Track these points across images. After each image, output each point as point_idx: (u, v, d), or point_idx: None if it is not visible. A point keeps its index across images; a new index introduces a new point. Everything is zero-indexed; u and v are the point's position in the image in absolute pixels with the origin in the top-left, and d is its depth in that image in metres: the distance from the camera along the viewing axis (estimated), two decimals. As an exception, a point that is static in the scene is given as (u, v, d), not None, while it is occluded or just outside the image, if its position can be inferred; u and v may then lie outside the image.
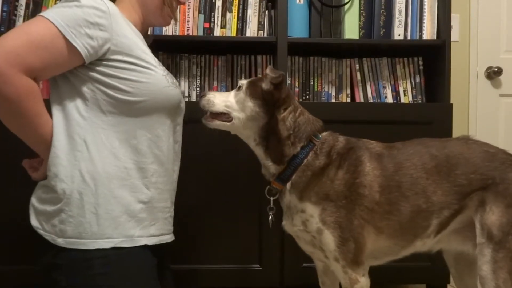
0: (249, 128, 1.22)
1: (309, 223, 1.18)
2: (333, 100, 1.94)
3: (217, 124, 1.25)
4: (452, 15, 1.87)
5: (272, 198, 1.24)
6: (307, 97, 1.93)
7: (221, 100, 1.24)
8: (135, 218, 1.13)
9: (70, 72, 1.11)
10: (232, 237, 1.70)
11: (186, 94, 1.89)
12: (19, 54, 1.00)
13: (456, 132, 1.80)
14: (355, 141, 1.25)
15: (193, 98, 1.88)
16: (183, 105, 1.32)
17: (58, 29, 1.04)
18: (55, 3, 1.82)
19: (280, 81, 1.18)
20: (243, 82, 1.25)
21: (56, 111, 1.12)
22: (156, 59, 1.23)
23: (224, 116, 1.24)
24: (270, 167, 1.22)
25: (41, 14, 1.07)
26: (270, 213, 1.25)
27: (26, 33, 1.03)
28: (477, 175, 1.18)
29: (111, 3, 1.14)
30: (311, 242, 1.21)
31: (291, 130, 1.20)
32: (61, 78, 1.13)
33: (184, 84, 1.89)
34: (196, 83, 1.90)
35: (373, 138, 1.29)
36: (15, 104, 1.01)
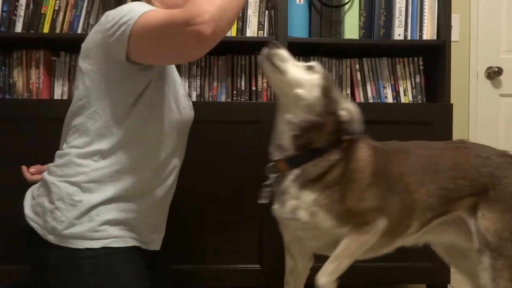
0: (298, 107, 1.15)
1: (300, 210, 1.13)
2: (333, 100, 1.94)
3: (273, 70, 1.15)
4: (452, 15, 1.87)
5: (270, 176, 1.20)
6: (307, 97, 1.93)
7: (293, 66, 1.15)
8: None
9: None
10: (232, 237, 1.70)
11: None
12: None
13: (456, 132, 1.80)
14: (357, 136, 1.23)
15: (193, 98, 1.88)
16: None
17: None
18: (55, 3, 1.82)
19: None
20: (316, 66, 1.18)
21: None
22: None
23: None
24: (287, 150, 1.16)
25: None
26: (266, 189, 1.21)
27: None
28: (465, 181, 1.15)
29: None
30: (302, 228, 1.16)
31: (337, 128, 1.18)
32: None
33: (184, 84, 1.89)
34: (196, 83, 1.89)
35: (373, 138, 1.28)
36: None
